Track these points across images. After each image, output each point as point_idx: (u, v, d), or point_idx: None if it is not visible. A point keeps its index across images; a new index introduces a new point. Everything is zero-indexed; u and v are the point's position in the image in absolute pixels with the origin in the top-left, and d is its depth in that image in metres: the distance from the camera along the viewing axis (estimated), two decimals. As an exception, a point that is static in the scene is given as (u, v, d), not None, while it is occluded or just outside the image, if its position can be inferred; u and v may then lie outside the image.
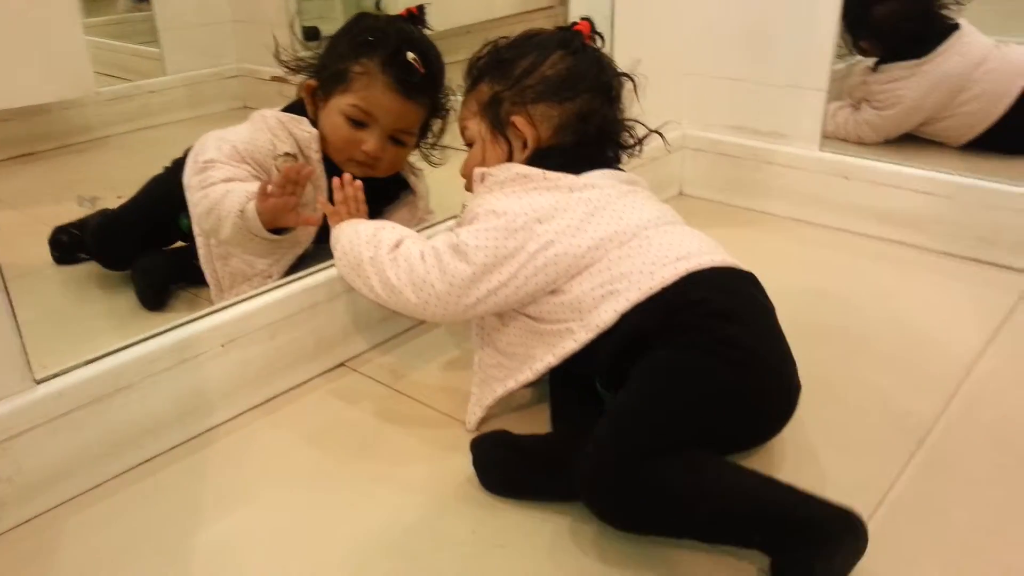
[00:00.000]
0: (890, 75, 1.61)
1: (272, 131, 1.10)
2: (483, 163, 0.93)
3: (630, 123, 0.96)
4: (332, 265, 0.99)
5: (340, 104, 1.08)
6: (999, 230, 1.21)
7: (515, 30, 2.98)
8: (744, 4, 1.37)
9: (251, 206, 1.01)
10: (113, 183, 1.57)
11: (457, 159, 1.17)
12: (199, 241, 1.09)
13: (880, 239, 1.32)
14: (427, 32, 1.14)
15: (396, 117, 1.09)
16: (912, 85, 1.58)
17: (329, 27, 2.40)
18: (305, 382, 0.98)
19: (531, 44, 0.95)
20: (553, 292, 0.83)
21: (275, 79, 2.15)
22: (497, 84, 0.94)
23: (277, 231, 1.04)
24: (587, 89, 0.91)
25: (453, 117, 1.15)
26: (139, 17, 2.42)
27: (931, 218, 1.27)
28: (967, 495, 0.78)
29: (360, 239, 0.89)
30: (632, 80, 0.96)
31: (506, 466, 0.80)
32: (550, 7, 2.86)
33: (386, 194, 1.18)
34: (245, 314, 0.91)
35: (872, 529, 0.71)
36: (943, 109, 1.57)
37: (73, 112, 1.90)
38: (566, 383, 0.89)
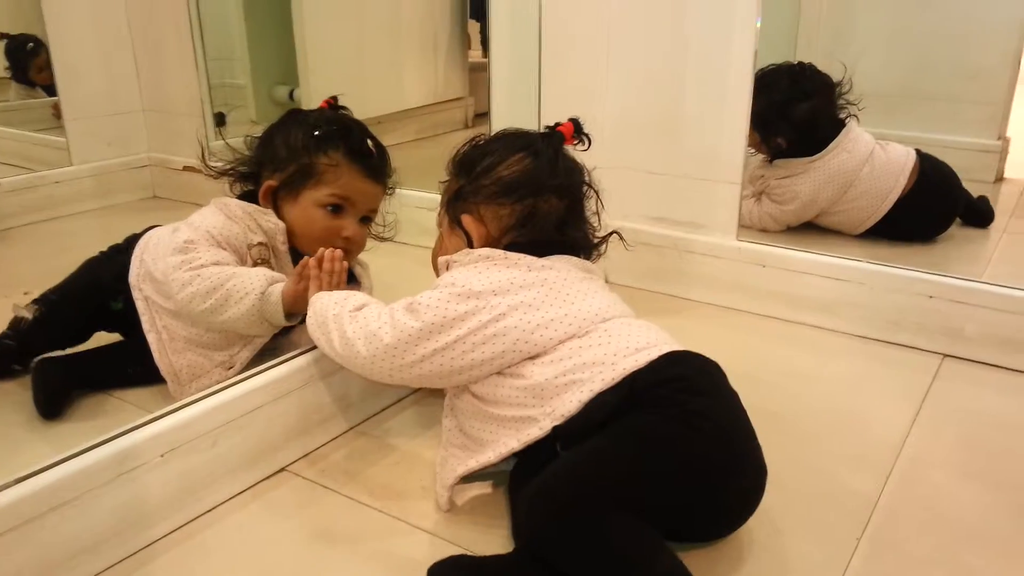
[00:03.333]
0: (785, 171, 1.71)
1: (240, 220, 1.09)
2: (443, 251, 0.97)
3: (592, 226, 1.00)
4: (272, 367, 0.97)
5: (316, 197, 1.10)
6: (905, 313, 1.30)
7: (425, 120, 3.04)
8: (658, 102, 1.44)
9: (276, 288, 1.02)
10: (20, 278, 1.50)
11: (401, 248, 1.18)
12: (151, 337, 1.06)
13: (797, 323, 1.39)
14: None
15: (369, 199, 1.14)
16: (807, 180, 1.67)
17: (239, 114, 2.41)
18: (248, 488, 0.94)
19: (497, 143, 0.99)
20: (511, 375, 0.85)
21: (187, 168, 2.12)
22: (462, 179, 0.98)
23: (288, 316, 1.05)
24: (537, 191, 0.94)
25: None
26: (36, 104, 2.35)
27: (844, 303, 1.35)
28: (914, 575, 0.81)
29: (331, 300, 0.95)
30: (591, 186, 0.99)
31: None
32: (459, 98, 2.94)
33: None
34: (186, 421, 0.87)
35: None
36: (836, 203, 1.67)
37: (-29, 204, 1.82)
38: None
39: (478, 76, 2.94)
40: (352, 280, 1.21)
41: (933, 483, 0.96)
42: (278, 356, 1.00)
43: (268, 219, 1.10)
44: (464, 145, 1.02)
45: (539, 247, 0.92)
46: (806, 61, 1.74)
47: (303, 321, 1.07)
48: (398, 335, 0.86)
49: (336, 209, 1.11)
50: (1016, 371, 1.22)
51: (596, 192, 1.00)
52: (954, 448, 1.03)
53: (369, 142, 1.14)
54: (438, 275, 0.96)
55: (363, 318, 0.90)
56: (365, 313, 0.91)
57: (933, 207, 1.66)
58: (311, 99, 2.36)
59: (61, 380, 1.09)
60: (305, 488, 0.94)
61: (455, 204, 0.98)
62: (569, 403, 0.80)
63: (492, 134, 1.02)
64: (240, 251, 1.08)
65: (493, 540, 0.85)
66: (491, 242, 0.95)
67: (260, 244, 1.09)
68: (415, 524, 0.88)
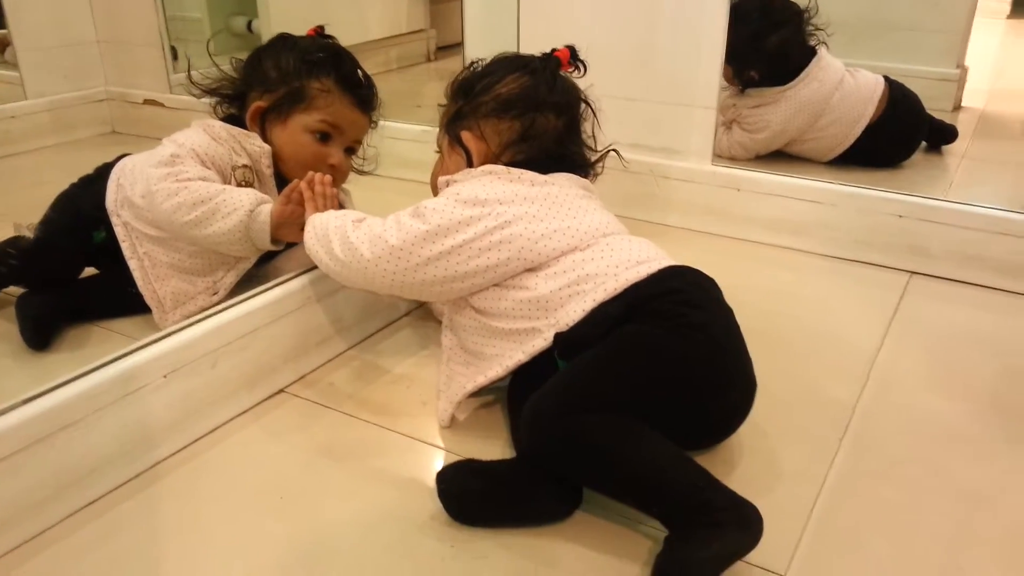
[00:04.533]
0: (757, 100, 1.72)
1: (225, 142, 1.08)
2: (444, 172, 0.98)
3: (586, 143, 1.01)
4: (270, 289, 0.98)
5: (305, 121, 1.10)
6: (875, 233, 1.34)
7: (389, 53, 3.00)
8: (635, 27, 1.44)
9: (265, 208, 1.00)
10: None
11: (374, 180, 1.19)
12: (133, 265, 1.05)
13: (771, 245, 1.42)
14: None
15: (357, 129, 1.14)
16: (778, 110, 1.69)
17: (195, 49, 2.34)
18: (249, 409, 0.95)
19: (496, 64, 1.00)
20: (513, 288, 0.86)
21: (148, 102, 2.06)
22: (460, 100, 0.99)
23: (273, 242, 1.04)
24: (536, 107, 0.95)
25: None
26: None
27: (816, 224, 1.38)
28: (891, 473, 0.86)
29: (331, 215, 0.95)
30: (588, 104, 1.00)
31: (474, 496, 0.78)
32: (421, 30, 2.89)
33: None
34: (187, 342, 0.87)
35: (817, 513, 0.79)
36: (807, 131, 1.70)
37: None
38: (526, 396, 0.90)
39: (439, 8, 2.89)
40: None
41: (905, 391, 1.01)
42: (263, 283, 1.00)
43: (253, 142, 1.09)
44: (462, 71, 1.02)
45: (540, 165, 0.93)
46: (775, -10, 1.75)
47: (287, 247, 1.08)
48: (404, 236, 0.87)
49: (324, 136, 1.11)
50: (979, 286, 1.28)
51: (593, 111, 1.00)
52: (923, 359, 1.08)
53: (359, 72, 1.14)
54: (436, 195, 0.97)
55: (367, 225, 0.91)
56: (368, 221, 0.92)
57: (901, 133, 1.70)
58: (270, 30, 2.30)
59: (47, 311, 1.08)
60: (305, 408, 0.96)
61: (455, 123, 0.98)
62: (572, 312, 0.82)
63: (490, 59, 1.02)
64: (224, 172, 1.07)
65: (494, 451, 0.88)
66: (491, 159, 0.95)
67: (244, 166, 1.08)
68: (417, 438, 0.90)
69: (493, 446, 0.89)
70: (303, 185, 0.99)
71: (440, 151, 1.03)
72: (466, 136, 0.97)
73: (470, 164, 0.96)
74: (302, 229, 0.98)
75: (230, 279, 1.09)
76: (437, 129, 1.05)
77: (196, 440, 0.89)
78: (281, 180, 1.11)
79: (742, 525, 0.69)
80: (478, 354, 0.89)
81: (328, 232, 0.92)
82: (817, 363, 1.06)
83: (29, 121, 1.95)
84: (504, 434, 0.90)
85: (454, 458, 0.84)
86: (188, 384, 0.87)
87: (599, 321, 0.81)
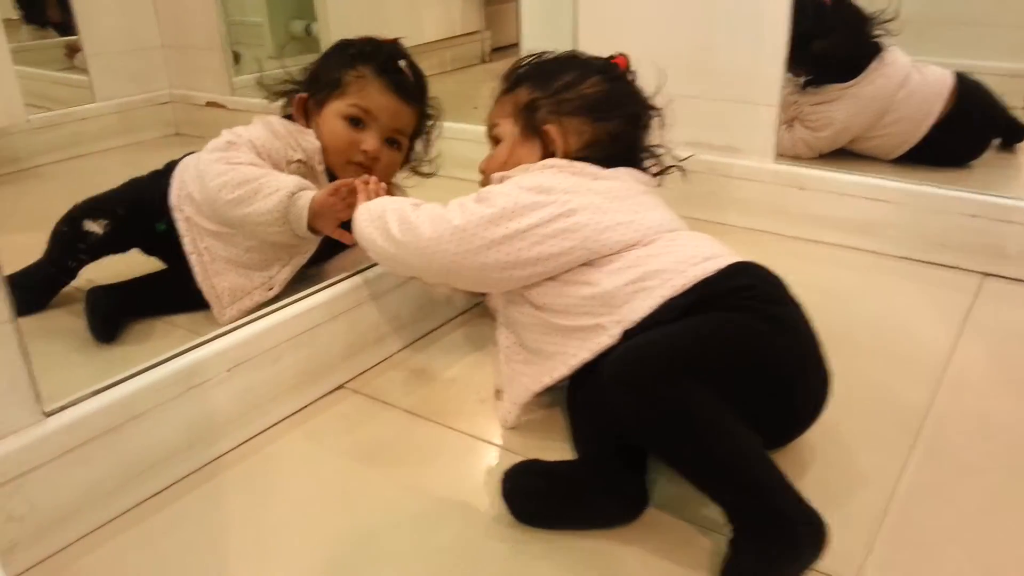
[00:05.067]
0: (820, 97, 1.68)
1: (283, 138, 1.10)
2: (507, 163, 0.96)
3: (655, 152, 1.00)
4: (330, 285, 0.98)
5: (338, 107, 1.11)
6: (947, 233, 1.29)
7: (443, 55, 3.02)
8: (696, 25, 1.42)
9: (307, 194, 1.01)
10: (55, 214, 1.50)
11: (442, 183, 1.18)
12: (192, 259, 1.07)
13: (838, 246, 1.39)
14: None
15: (392, 115, 1.12)
16: (841, 107, 1.65)
17: (258, 52, 2.38)
18: (309, 404, 0.95)
19: (574, 63, 0.99)
20: (575, 283, 0.85)
21: (210, 104, 2.11)
22: (536, 91, 0.97)
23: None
24: (620, 115, 0.96)
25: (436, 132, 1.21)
26: (48, 44, 2.33)
27: (883, 224, 1.34)
28: (966, 482, 0.82)
29: (387, 200, 0.94)
30: (658, 112, 1.00)
31: (539, 497, 0.77)
32: (476, 31, 2.90)
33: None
34: (249, 337, 0.88)
35: (889, 519, 0.76)
36: (871, 129, 1.65)
37: (1, 142, 1.81)
38: (585, 401, 0.88)
39: (494, 9, 2.89)
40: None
41: (979, 396, 0.97)
42: (320, 282, 1.00)
43: (308, 139, 1.11)
44: (526, 58, 1.02)
45: (601, 160, 0.92)
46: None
47: (339, 249, 1.07)
48: (468, 217, 0.85)
49: (356, 122, 1.11)
50: (1058, 289, 1.22)
51: (662, 119, 1.00)
52: (998, 363, 1.03)
53: (402, 62, 1.14)
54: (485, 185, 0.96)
55: (427, 207, 0.90)
56: (428, 205, 0.91)
57: (971, 130, 1.64)
58: (328, 33, 2.33)
59: (114, 305, 1.10)
60: (365, 404, 0.96)
61: (532, 114, 0.96)
62: (638, 309, 0.80)
63: (556, 53, 1.02)
64: (279, 166, 1.08)
65: (553, 450, 0.86)
66: (569, 156, 0.94)
67: (299, 162, 1.10)
68: (476, 436, 0.90)
69: (552, 446, 0.87)
70: (358, 181, 0.99)
71: (497, 139, 1.00)
72: (552, 130, 0.95)
73: (549, 154, 0.95)
74: (339, 226, 0.98)
75: (285, 274, 1.10)
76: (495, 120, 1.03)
77: (257, 434, 0.90)
78: (333, 178, 1.12)
79: (811, 541, 0.66)
80: (539, 352, 0.88)
81: (385, 213, 0.91)
82: (888, 366, 1.03)
83: (98, 123, 2.01)
84: (563, 433, 0.89)
85: (514, 457, 0.83)
86: (251, 379, 0.88)
87: (668, 317, 0.79)
